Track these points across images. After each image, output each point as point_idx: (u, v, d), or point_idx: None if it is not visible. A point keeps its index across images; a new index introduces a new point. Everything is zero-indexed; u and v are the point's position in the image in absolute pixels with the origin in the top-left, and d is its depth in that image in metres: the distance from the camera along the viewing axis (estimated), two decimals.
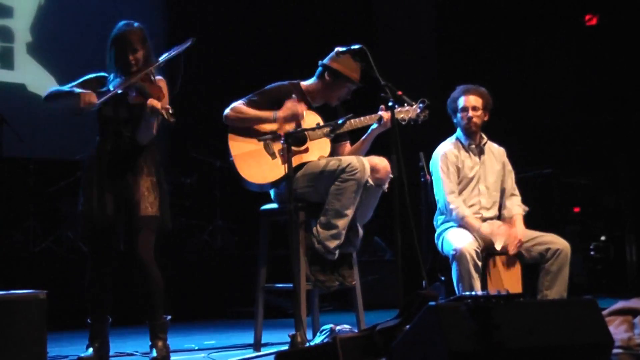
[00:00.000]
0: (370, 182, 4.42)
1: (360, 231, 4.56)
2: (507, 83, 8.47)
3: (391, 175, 4.35)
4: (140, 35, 4.27)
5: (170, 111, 4.14)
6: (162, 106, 4.11)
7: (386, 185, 4.47)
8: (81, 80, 4.32)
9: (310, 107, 4.66)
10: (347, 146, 4.77)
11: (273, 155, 4.50)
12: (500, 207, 5.08)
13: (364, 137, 4.67)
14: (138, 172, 4.25)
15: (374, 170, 4.43)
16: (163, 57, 4.25)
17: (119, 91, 4.16)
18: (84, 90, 4.16)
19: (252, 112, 4.56)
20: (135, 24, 4.30)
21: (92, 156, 4.30)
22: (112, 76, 4.27)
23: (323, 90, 4.68)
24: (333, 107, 4.75)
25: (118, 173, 4.23)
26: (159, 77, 4.32)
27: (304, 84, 4.72)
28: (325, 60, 4.63)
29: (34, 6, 8.75)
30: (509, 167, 5.14)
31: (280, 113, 4.52)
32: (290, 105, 4.54)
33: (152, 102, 4.11)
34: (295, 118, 4.54)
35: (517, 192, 5.11)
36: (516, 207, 5.04)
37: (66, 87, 4.27)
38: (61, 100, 4.25)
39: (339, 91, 4.66)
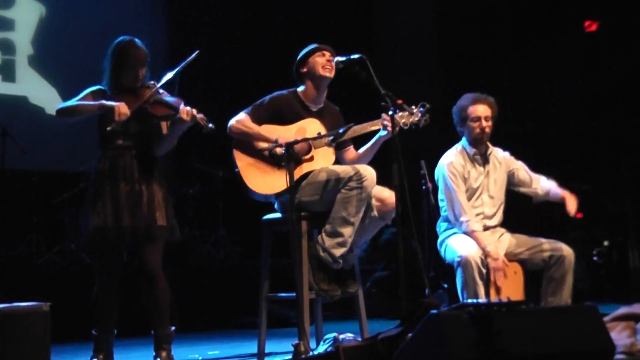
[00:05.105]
0: (375, 213, 4.43)
1: (355, 251, 4.55)
2: (508, 89, 8.47)
3: (394, 215, 4.36)
4: (146, 53, 4.30)
5: (205, 118, 4.16)
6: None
7: (389, 221, 4.49)
8: (88, 92, 4.28)
9: (311, 114, 4.66)
10: (352, 151, 4.76)
11: (279, 166, 4.46)
12: (501, 212, 5.06)
13: (370, 143, 4.65)
14: (152, 183, 4.26)
15: (381, 202, 4.43)
16: (174, 72, 4.22)
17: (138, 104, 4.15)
18: (117, 103, 4.12)
19: (257, 129, 4.53)
20: (138, 41, 4.32)
21: (101, 169, 4.26)
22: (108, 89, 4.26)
23: (311, 83, 4.65)
24: (335, 112, 4.76)
25: (131, 184, 4.21)
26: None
27: (300, 90, 4.71)
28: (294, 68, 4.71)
29: (35, 19, 8.78)
30: (516, 164, 5.07)
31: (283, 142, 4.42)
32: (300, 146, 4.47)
33: (186, 110, 4.12)
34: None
35: (536, 174, 5.06)
36: (547, 181, 5.02)
37: (73, 101, 4.22)
38: (82, 114, 4.19)
39: (317, 68, 4.61)
